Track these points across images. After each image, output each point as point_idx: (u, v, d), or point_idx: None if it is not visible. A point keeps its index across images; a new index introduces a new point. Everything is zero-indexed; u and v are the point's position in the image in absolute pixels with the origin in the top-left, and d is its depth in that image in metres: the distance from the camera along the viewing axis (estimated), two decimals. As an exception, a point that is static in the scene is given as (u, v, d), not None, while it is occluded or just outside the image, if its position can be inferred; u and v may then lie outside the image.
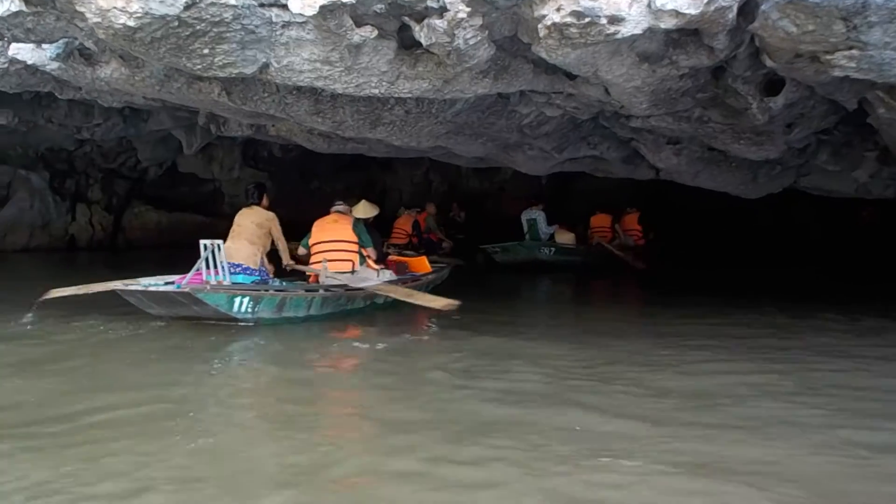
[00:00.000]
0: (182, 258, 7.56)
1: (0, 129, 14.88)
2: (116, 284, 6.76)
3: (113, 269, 12.08)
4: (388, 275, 8.39)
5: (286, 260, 7.75)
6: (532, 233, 14.01)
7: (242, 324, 6.76)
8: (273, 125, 9.59)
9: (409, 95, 6.41)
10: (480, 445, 3.85)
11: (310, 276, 8.03)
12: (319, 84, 6.05)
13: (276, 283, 7.45)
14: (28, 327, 6.77)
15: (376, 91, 6.21)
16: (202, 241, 6.77)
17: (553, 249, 13.63)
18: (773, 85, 6.58)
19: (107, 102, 9.72)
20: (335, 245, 7.94)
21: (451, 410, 4.54)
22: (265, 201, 7.74)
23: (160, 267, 7.78)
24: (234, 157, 18.59)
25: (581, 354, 6.09)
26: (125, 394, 4.73)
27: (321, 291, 7.41)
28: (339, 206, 8.42)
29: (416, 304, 7.32)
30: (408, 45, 5.83)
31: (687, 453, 3.78)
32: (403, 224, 14.34)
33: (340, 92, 6.26)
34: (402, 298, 7.39)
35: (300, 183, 21.01)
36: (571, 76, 6.56)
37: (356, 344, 6.58)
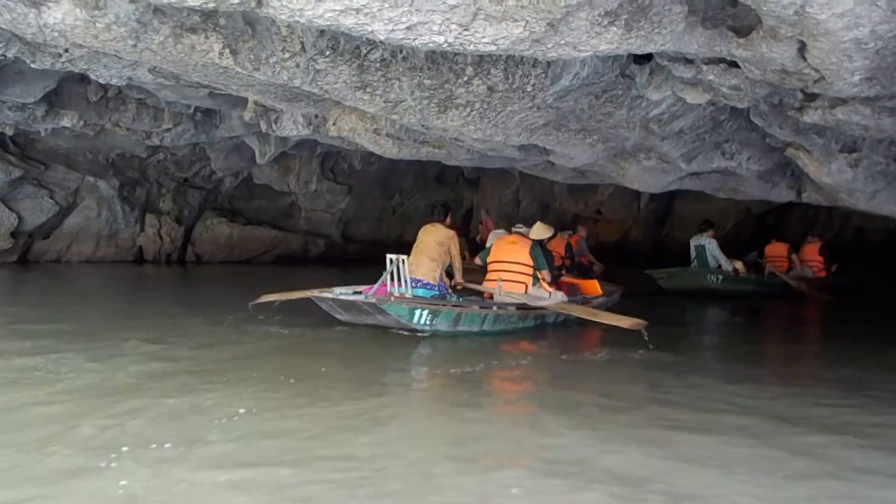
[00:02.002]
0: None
1: (67, 132, 14.06)
2: (313, 292, 7.44)
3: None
4: (560, 296, 8.49)
5: (458, 278, 8.18)
6: (700, 259, 13.36)
7: (420, 334, 7.25)
8: (333, 123, 7.99)
9: (494, 49, 4.43)
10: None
11: (485, 292, 8.39)
12: (349, 23, 4.16)
13: (454, 298, 7.83)
14: (226, 325, 7.54)
15: (441, 40, 4.29)
16: (389, 256, 7.41)
17: (721, 277, 12.96)
18: None
19: (103, 78, 8.15)
20: (511, 266, 8.22)
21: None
22: (449, 220, 8.22)
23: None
24: (311, 169, 17.36)
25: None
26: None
27: (494, 309, 7.76)
28: (520, 229, 8.80)
29: (598, 323, 7.65)
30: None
31: None
32: (556, 246, 13.17)
33: (383, 38, 4.33)
34: (585, 317, 7.81)
35: (381, 199, 19.71)
36: (742, 30, 4.71)
37: (526, 357, 6.89)
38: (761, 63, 4.85)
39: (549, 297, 8.24)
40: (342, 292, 7.47)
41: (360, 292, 7.44)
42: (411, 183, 20.34)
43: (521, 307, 7.95)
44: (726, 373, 6.22)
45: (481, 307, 7.74)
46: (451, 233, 7.93)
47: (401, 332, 7.27)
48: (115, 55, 5.94)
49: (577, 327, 8.40)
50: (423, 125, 6.86)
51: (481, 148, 8.02)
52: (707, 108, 6.49)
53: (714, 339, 9.43)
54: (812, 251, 14.56)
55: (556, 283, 8.83)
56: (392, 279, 7.28)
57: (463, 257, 8.58)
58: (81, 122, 13.58)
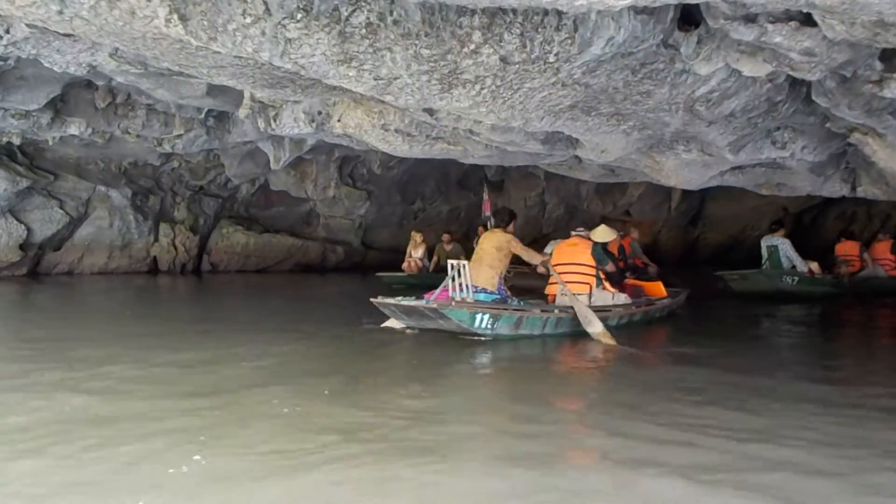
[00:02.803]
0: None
1: (76, 141, 13.60)
2: (378, 300, 7.43)
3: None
4: (623, 298, 8.54)
5: (536, 260, 8.16)
6: (773, 261, 12.77)
7: (481, 338, 7.21)
8: (338, 119, 7.26)
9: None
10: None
11: (548, 296, 8.42)
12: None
13: (515, 302, 7.80)
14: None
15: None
16: (450, 261, 7.58)
17: (796, 279, 12.39)
18: None
19: (58, 65, 7.32)
20: (573, 268, 8.19)
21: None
22: (512, 227, 8.13)
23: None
24: (329, 174, 16.78)
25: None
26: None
27: (556, 312, 7.70)
28: (581, 231, 8.74)
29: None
30: None
31: None
32: (610, 248, 12.78)
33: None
34: (581, 321, 7.54)
35: (402, 204, 19.07)
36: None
37: (587, 360, 6.67)
38: (851, 12, 3.87)
39: (612, 299, 8.32)
40: (404, 299, 7.52)
41: (422, 298, 7.51)
42: (433, 187, 19.71)
43: None
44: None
45: (542, 310, 7.69)
46: (509, 235, 7.91)
47: (461, 336, 7.27)
48: (67, 37, 5.25)
49: (640, 329, 8.41)
50: (427, 110, 6.04)
51: (500, 142, 7.28)
52: (764, 86, 5.63)
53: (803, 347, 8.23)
54: (884, 249, 13.99)
55: (619, 284, 8.86)
56: (453, 284, 7.39)
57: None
58: (90, 130, 13.11)
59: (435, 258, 14.22)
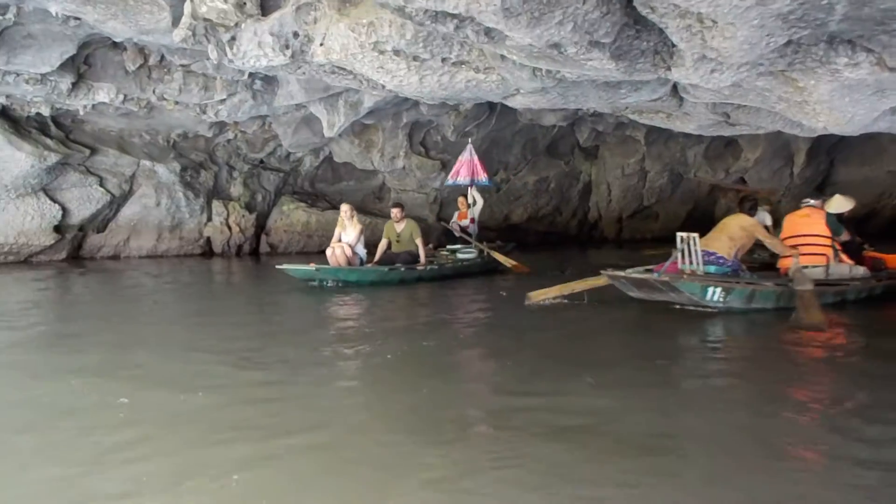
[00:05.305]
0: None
1: (112, 110, 12.21)
2: (608, 273, 7.52)
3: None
4: (862, 271, 8.27)
5: (778, 248, 7.98)
6: None
7: (712, 310, 7.10)
8: (321, 42, 5.04)
9: None
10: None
11: (780, 269, 8.20)
12: None
13: (747, 275, 7.68)
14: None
15: None
16: (679, 234, 7.45)
17: None
18: None
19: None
20: (807, 240, 8.02)
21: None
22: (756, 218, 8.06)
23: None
24: (397, 142, 14.91)
25: None
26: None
27: (791, 285, 7.34)
28: (811, 202, 8.44)
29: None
30: None
31: None
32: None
33: None
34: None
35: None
36: None
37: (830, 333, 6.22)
38: None
39: (850, 272, 8.08)
40: (633, 272, 7.56)
41: (651, 270, 7.53)
42: (517, 156, 17.59)
43: (819, 283, 7.51)
44: None
45: (776, 283, 7.50)
46: (754, 220, 7.84)
47: (688, 308, 7.23)
48: None
49: (884, 302, 8.08)
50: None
51: (540, 47, 4.98)
52: None
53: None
54: None
55: (857, 257, 8.58)
56: (683, 257, 7.33)
57: None
58: (121, 97, 11.69)
59: (384, 241, 10.31)
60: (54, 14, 7.89)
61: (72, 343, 5.72)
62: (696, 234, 7.36)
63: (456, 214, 13.23)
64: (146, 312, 7.61)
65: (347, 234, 9.84)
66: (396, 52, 5.08)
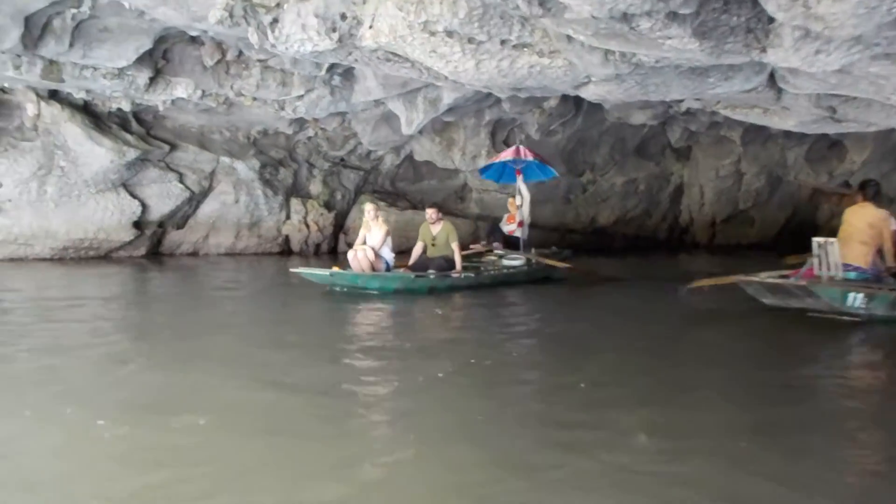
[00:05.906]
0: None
1: (191, 106, 12.15)
2: (739, 277, 7.37)
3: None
4: None
5: (891, 261, 7.34)
6: None
7: (850, 318, 6.85)
8: (370, 25, 4.47)
9: None
10: None
11: None
12: None
13: (891, 281, 7.26)
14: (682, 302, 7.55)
15: None
16: (815, 239, 7.17)
17: None
18: None
19: None
20: None
21: None
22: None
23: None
24: (479, 140, 14.45)
25: None
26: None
27: None
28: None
29: None
30: None
31: None
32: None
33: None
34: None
35: (567, 175, 16.29)
36: None
37: None
38: None
39: None
40: (767, 276, 7.38)
41: (786, 276, 7.37)
42: (605, 156, 16.88)
43: None
44: None
45: None
46: (884, 213, 7.28)
47: (826, 315, 6.94)
48: None
49: None
50: None
51: (610, 26, 4.37)
52: None
53: None
54: None
55: None
56: (819, 263, 7.08)
57: None
58: (199, 92, 11.59)
59: (419, 245, 9.68)
60: (127, 6, 7.72)
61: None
62: (833, 239, 7.07)
63: (505, 217, 11.98)
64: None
65: (372, 235, 9.05)
66: (449, 34, 4.56)
